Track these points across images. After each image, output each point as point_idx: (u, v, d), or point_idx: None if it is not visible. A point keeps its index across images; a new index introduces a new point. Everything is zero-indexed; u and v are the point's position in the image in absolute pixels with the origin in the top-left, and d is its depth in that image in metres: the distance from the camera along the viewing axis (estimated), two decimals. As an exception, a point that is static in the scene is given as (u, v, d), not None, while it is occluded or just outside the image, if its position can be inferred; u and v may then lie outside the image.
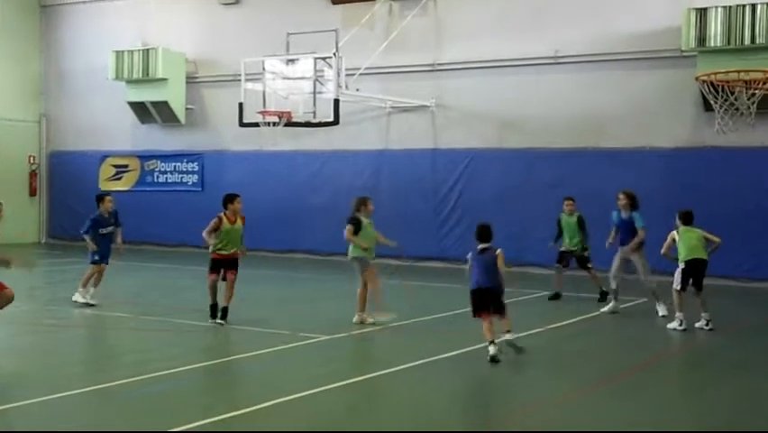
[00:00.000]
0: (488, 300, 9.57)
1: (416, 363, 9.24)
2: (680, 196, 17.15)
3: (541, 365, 9.52)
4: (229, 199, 11.97)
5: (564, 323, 12.18)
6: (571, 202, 14.47)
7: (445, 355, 9.68)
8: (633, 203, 12.92)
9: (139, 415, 7.28)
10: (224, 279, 11.69)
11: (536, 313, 13.30)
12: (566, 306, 13.90)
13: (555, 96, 18.42)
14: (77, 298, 13.05)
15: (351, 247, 11.78)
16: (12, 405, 7.37)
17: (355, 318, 11.66)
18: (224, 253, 11.75)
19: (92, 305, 12.95)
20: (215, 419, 6.98)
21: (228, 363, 9.34)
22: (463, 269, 14.81)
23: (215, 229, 11.76)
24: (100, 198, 13.76)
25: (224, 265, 11.73)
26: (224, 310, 11.57)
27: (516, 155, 18.69)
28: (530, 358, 9.76)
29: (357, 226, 11.65)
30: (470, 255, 9.97)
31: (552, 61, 18.44)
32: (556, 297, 14.39)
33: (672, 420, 7.43)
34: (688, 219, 11.92)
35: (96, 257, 13.27)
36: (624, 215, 13.00)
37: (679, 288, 11.73)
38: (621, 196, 13.05)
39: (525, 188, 18.49)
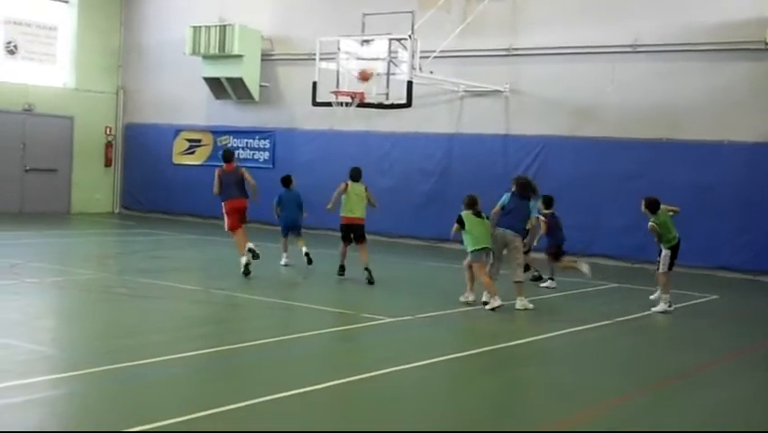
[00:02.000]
0: None
1: (477, 350, 9.19)
2: (760, 190, 16.80)
3: (602, 362, 9.37)
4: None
5: (630, 317, 11.98)
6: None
7: (504, 345, 9.60)
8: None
9: (195, 390, 7.38)
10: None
11: (601, 305, 13.13)
12: (633, 300, 13.67)
13: (632, 85, 18.07)
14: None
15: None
16: (82, 372, 7.52)
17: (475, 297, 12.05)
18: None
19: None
20: (287, 393, 7.04)
21: (293, 340, 9.41)
22: (531, 256, 14.71)
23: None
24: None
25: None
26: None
27: (589, 144, 18.41)
28: (591, 354, 9.64)
29: (461, 223, 12.01)
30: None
31: (630, 50, 18.07)
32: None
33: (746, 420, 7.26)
34: (655, 208, 12.46)
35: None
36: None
37: (667, 270, 12.36)
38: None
39: (598, 178, 18.22)
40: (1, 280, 12.15)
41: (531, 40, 19.06)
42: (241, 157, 23.00)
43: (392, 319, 10.74)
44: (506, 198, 12.48)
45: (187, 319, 10.68)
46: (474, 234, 12.02)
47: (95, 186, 24.96)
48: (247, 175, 13.96)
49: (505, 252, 12.27)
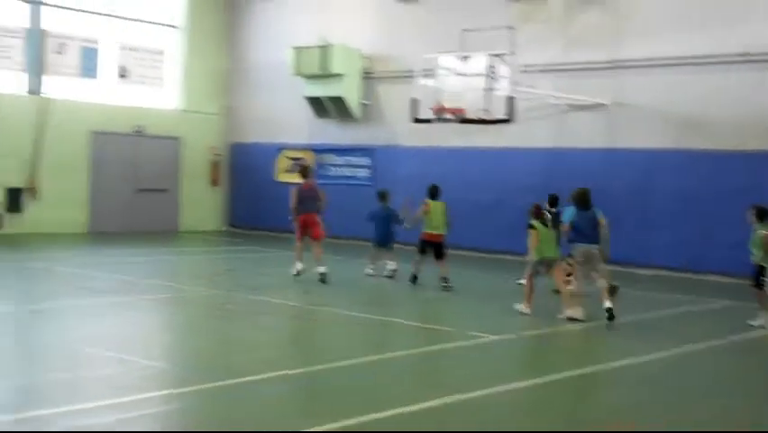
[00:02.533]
0: None
1: (582, 371, 9.07)
2: None
3: (715, 382, 9.13)
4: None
5: (744, 336, 11.62)
6: None
7: (614, 365, 9.44)
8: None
9: (303, 406, 7.50)
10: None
11: (715, 323, 12.79)
12: (746, 318, 13.26)
13: (744, 96, 17.52)
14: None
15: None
16: (195, 388, 7.74)
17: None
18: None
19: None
20: (387, 414, 7.09)
21: (394, 358, 9.46)
22: (637, 273, 14.38)
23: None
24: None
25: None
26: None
27: (698, 157, 17.95)
28: (704, 374, 9.41)
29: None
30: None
31: (741, 59, 17.56)
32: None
33: None
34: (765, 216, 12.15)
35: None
36: None
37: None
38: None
39: (708, 192, 17.73)
40: (117, 297, 12.63)
41: (635, 51, 18.73)
42: (341, 174, 23.32)
43: (496, 337, 10.70)
44: (571, 213, 12.54)
45: (292, 336, 10.89)
46: (543, 243, 12.34)
47: (202, 204, 25.64)
48: (321, 192, 15.23)
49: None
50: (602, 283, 12.14)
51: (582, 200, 12.63)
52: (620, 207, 18.85)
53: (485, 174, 20.59)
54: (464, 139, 20.58)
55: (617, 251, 18.67)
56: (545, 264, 12.43)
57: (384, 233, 15.76)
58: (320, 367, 8.72)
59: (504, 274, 17.06)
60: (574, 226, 12.35)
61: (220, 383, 7.84)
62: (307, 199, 15.16)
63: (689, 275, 17.73)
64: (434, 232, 14.72)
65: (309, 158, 24.15)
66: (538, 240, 12.33)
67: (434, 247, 14.68)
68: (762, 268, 12.17)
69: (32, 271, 15.59)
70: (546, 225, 12.51)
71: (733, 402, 8.13)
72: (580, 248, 12.28)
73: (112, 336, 10.14)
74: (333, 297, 13.56)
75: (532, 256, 12.43)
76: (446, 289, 14.25)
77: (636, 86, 18.81)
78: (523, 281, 12.91)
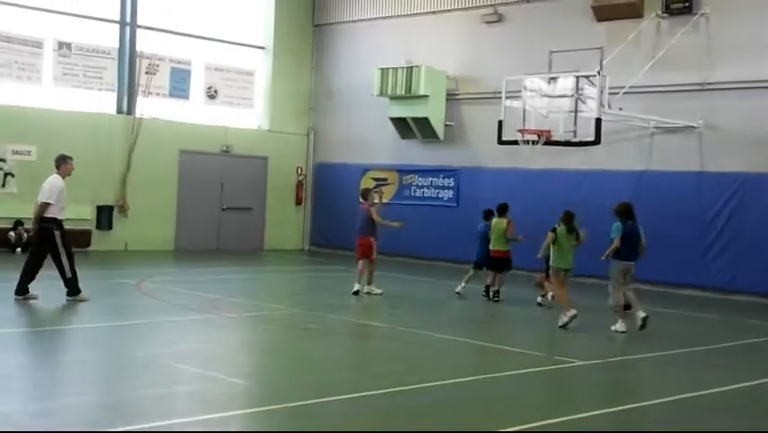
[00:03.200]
0: None
1: (670, 398, 8.81)
2: None
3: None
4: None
5: None
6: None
7: (703, 393, 9.14)
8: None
9: (393, 428, 7.45)
10: None
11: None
12: None
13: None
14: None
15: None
16: (279, 406, 7.76)
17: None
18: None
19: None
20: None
21: (485, 380, 9.34)
22: (729, 299, 14.03)
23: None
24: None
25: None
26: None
27: (791, 180, 17.41)
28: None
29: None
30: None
31: (834, 81, 17.03)
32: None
33: None
34: None
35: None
36: None
37: None
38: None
39: (801, 216, 17.17)
40: (203, 315, 12.80)
41: (727, 73, 18.29)
42: (425, 195, 23.27)
43: (583, 363, 10.49)
44: (619, 228, 12.81)
45: (373, 357, 10.87)
46: (563, 250, 13.13)
47: (286, 223, 25.92)
48: (374, 215, 15.84)
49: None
50: (632, 295, 12.70)
51: (630, 214, 12.94)
52: (710, 232, 18.40)
53: (571, 196, 20.17)
54: (551, 161, 20.33)
55: (708, 276, 18.28)
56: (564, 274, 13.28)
57: (484, 253, 15.94)
58: (405, 388, 8.64)
59: (587, 297, 16.80)
60: (623, 242, 12.63)
61: (305, 403, 7.85)
62: (359, 222, 16.13)
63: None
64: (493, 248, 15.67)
65: (393, 179, 24.21)
66: (553, 242, 13.20)
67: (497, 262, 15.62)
68: None
69: (121, 286, 15.95)
70: (571, 233, 13.24)
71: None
72: (625, 264, 12.71)
73: (198, 352, 10.27)
74: (414, 318, 13.49)
75: (552, 262, 13.30)
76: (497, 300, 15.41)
77: (727, 108, 18.35)
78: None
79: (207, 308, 13.37)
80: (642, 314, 12.43)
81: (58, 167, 13.29)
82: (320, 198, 26.19)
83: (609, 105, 17.14)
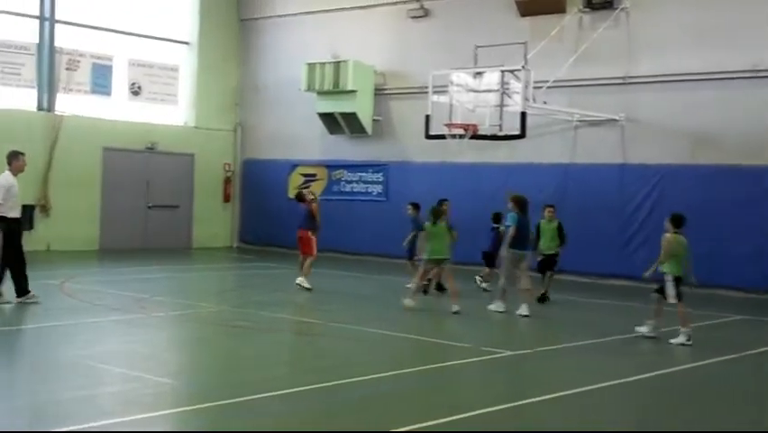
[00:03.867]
0: None
1: (591, 387, 8.97)
2: None
3: (736, 394, 9.01)
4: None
5: (761, 350, 11.50)
6: (551, 209, 15.34)
7: (625, 380, 9.33)
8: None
9: (321, 422, 7.43)
10: None
11: (728, 337, 12.68)
12: (762, 332, 13.16)
13: (753, 111, 17.47)
14: None
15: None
16: (207, 405, 7.68)
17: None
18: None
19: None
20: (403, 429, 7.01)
21: (413, 373, 9.37)
22: (651, 288, 14.42)
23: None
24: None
25: None
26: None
27: (710, 172, 17.85)
28: (715, 386, 9.30)
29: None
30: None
31: (751, 75, 17.51)
32: (543, 299, 14.91)
33: None
34: (680, 223, 12.11)
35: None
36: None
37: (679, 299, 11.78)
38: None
39: (720, 207, 17.63)
40: (129, 315, 12.59)
41: (647, 67, 18.70)
42: (354, 190, 23.28)
43: (511, 353, 10.61)
44: (515, 218, 13.78)
45: (304, 352, 10.83)
46: (435, 242, 13.74)
47: (214, 221, 25.65)
48: (315, 211, 16.39)
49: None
50: (527, 283, 13.72)
51: (525, 207, 13.99)
52: (632, 223, 18.79)
53: (498, 190, 20.43)
54: (477, 154, 20.54)
55: (630, 266, 18.66)
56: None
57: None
58: (336, 383, 8.63)
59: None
60: (518, 232, 13.70)
61: (231, 400, 7.79)
62: (301, 216, 16.51)
63: (701, 290, 17.58)
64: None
65: (322, 174, 24.15)
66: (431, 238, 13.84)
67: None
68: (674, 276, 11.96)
69: (44, 288, 15.55)
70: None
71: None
72: (518, 253, 13.74)
73: (123, 353, 10.10)
74: (345, 313, 13.49)
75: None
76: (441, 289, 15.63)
77: (648, 102, 18.77)
78: None
79: (133, 307, 13.15)
80: (523, 309, 13.34)
81: (9, 163, 13.00)
82: (248, 195, 25.98)
83: (534, 100, 17.37)
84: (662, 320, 11.92)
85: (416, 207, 16.33)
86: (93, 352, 9.87)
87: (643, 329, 11.98)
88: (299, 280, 15.83)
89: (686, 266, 11.95)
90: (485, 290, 16.12)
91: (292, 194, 24.35)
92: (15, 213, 12.84)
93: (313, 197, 17.10)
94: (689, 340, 11.51)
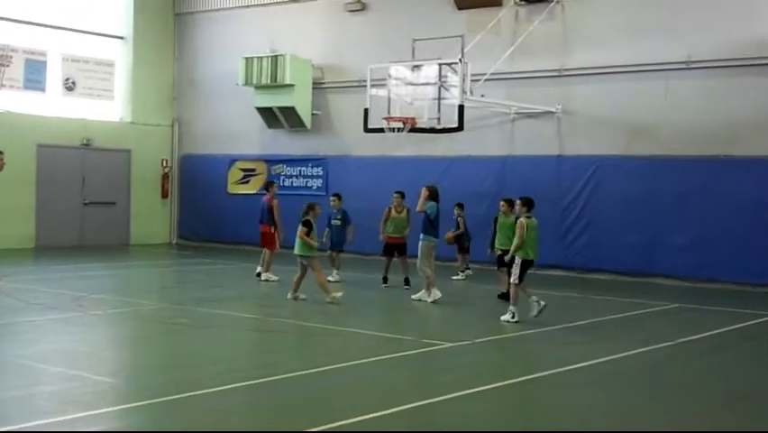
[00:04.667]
0: None
1: (540, 374, 9.12)
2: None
3: (668, 382, 9.23)
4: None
5: (694, 337, 11.79)
6: (505, 204, 14.53)
7: (572, 367, 9.50)
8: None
9: (262, 417, 7.43)
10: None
11: (665, 326, 12.97)
12: (696, 320, 13.49)
13: (687, 102, 17.86)
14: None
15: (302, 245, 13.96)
16: (147, 402, 7.62)
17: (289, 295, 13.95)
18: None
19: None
20: (336, 424, 7.05)
21: (352, 367, 9.41)
22: (589, 278, 14.73)
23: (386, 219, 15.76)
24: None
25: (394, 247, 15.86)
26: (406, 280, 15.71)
27: (644, 163, 18.21)
28: (656, 375, 9.52)
29: (310, 228, 13.89)
30: None
31: (683, 66, 17.88)
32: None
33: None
34: (532, 206, 12.57)
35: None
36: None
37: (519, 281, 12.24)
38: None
39: (654, 197, 18.01)
40: (67, 313, 12.40)
41: (582, 59, 18.98)
42: (294, 185, 23.21)
43: (452, 344, 10.71)
44: (435, 207, 14.43)
45: (245, 348, 10.80)
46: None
47: (152, 217, 25.36)
48: (275, 207, 16.75)
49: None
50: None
51: (438, 197, 14.56)
52: (570, 214, 19.09)
53: (437, 182, 20.48)
54: (417, 148, 20.66)
55: (568, 257, 18.96)
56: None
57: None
58: (274, 378, 8.64)
59: (470, 283, 17.22)
60: (433, 220, 14.32)
61: (172, 397, 7.75)
62: (260, 211, 17.04)
63: (640, 279, 17.98)
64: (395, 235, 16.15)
65: (261, 169, 24.03)
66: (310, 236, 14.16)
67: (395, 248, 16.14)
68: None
69: (-22, 287, 15.28)
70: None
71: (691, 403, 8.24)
72: (436, 241, 14.43)
73: (61, 352, 9.95)
74: (284, 308, 13.47)
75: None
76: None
77: (583, 93, 19.06)
78: None
79: (70, 306, 12.96)
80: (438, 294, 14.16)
81: None
82: (187, 191, 25.74)
83: (472, 92, 17.51)
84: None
85: (339, 197, 17.25)
86: (30, 351, 9.71)
87: (506, 317, 12.27)
88: (265, 275, 16.33)
89: (535, 248, 12.58)
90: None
91: (234, 187, 24.33)
92: None
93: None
94: (514, 317, 12.15)
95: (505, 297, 13.75)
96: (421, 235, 14.37)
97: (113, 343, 11.07)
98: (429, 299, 14.08)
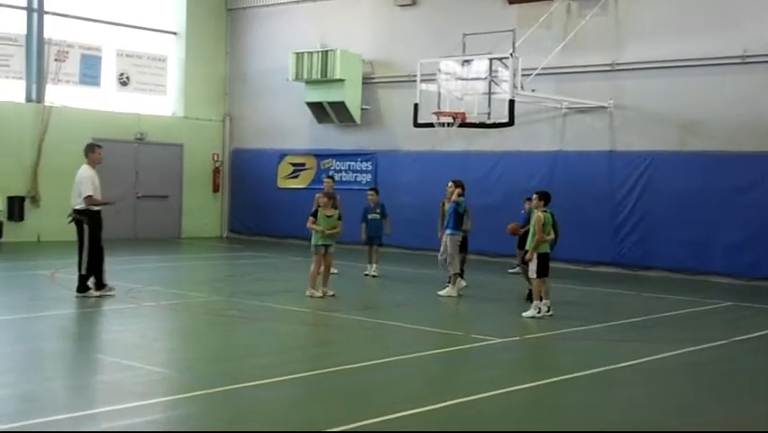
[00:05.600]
0: None
1: (586, 372, 9.05)
2: None
3: (718, 382, 9.11)
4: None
5: (747, 336, 11.61)
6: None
7: (619, 366, 9.42)
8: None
9: (311, 409, 7.49)
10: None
11: (717, 324, 12.79)
12: (750, 318, 13.28)
13: (742, 97, 17.53)
14: None
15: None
16: (200, 393, 7.72)
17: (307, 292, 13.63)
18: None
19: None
20: (386, 417, 7.07)
21: (401, 361, 9.44)
22: (640, 275, 14.58)
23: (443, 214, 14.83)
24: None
25: None
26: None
27: (698, 159, 17.94)
28: (707, 374, 9.40)
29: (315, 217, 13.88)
30: None
31: (739, 61, 17.57)
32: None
33: None
34: (549, 200, 12.50)
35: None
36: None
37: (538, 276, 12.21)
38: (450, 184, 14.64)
39: (708, 193, 17.73)
40: (120, 304, 12.61)
41: (635, 54, 18.75)
42: (343, 179, 23.28)
43: (501, 340, 10.69)
44: (463, 203, 14.42)
45: (295, 341, 10.88)
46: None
47: (203, 211, 25.65)
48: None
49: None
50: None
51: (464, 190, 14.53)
52: (621, 210, 18.88)
53: (487, 178, 20.54)
54: (466, 142, 20.60)
55: (620, 253, 18.77)
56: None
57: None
58: (324, 371, 8.70)
59: (517, 279, 17.16)
60: (462, 214, 14.35)
61: (225, 388, 7.84)
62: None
63: (693, 276, 17.74)
64: None
65: (311, 163, 24.17)
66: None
67: None
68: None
69: (36, 278, 15.60)
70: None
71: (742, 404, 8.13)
72: (461, 235, 14.40)
73: (114, 342, 10.13)
74: (336, 301, 13.53)
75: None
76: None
77: (636, 88, 18.82)
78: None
79: (124, 297, 13.16)
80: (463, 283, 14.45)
81: (86, 156, 13.10)
82: (237, 185, 25.98)
83: (522, 87, 17.41)
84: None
85: (376, 191, 17.38)
86: (85, 341, 9.90)
87: (529, 313, 12.22)
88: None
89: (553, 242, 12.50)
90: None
91: (284, 181, 24.47)
92: (98, 206, 13.04)
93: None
94: (539, 313, 12.09)
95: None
96: (449, 230, 14.29)
97: (165, 334, 11.23)
98: (454, 293, 14.06)
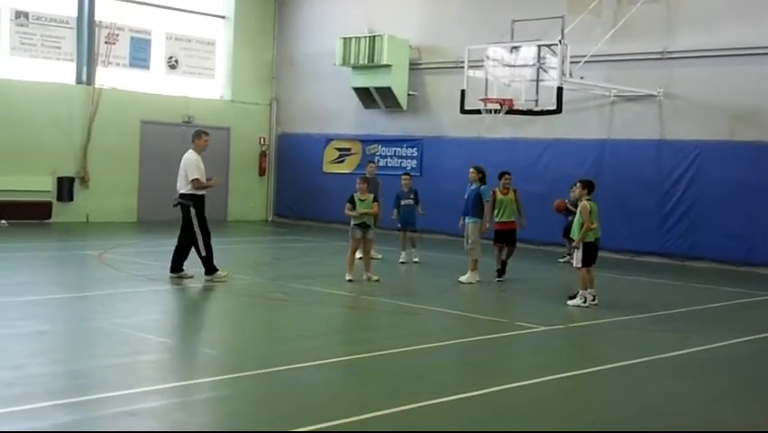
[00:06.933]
0: None
1: (627, 362, 8.97)
2: None
3: (763, 376, 8.99)
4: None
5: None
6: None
7: (662, 356, 9.32)
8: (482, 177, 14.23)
9: (354, 393, 7.53)
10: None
11: (764, 317, 12.61)
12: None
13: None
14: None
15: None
16: (244, 373, 7.80)
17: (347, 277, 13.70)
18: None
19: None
20: (434, 401, 7.08)
21: (445, 347, 9.44)
22: (688, 265, 14.42)
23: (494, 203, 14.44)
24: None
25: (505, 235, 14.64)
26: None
27: (749, 149, 17.63)
28: (751, 367, 9.28)
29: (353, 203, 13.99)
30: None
31: (793, 50, 17.25)
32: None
33: None
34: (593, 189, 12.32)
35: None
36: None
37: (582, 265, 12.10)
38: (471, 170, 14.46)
39: (758, 184, 17.42)
40: (166, 285, 12.78)
41: (686, 42, 18.46)
42: (389, 165, 23.27)
43: (545, 328, 10.65)
44: (488, 191, 14.35)
45: (338, 324, 10.94)
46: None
47: (249, 194, 25.84)
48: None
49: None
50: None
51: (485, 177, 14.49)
52: (669, 200, 18.65)
53: (534, 165, 20.39)
54: (514, 130, 20.48)
55: (667, 243, 18.55)
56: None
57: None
58: (368, 355, 8.73)
59: (550, 266, 17.04)
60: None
61: (268, 370, 7.91)
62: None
63: (742, 268, 17.48)
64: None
65: (356, 148, 24.20)
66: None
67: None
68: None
69: (84, 258, 15.86)
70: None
71: (787, 397, 8.02)
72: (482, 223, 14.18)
73: (161, 322, 10.28)
74: (379, 286, 13.55)
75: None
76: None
77: (686, 77, 18.53)
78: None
79: (172, 279, 13.32)
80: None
81: (193, 141, 13.48)
82: (283, 169, 26.12)
83: (571, 74, 17.25)
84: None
85: (410, 176, 17.23)
86: (132, 321, 10.05)
87: (574, 301, 12.16)
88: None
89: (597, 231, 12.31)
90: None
91: (330, 166, 24.54)
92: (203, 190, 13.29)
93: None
94: (585, 302, 12.01)
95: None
96: (470, 218, 14.19)
97: (211, 315, 11.37)
98: (474, 280, 14.03)
